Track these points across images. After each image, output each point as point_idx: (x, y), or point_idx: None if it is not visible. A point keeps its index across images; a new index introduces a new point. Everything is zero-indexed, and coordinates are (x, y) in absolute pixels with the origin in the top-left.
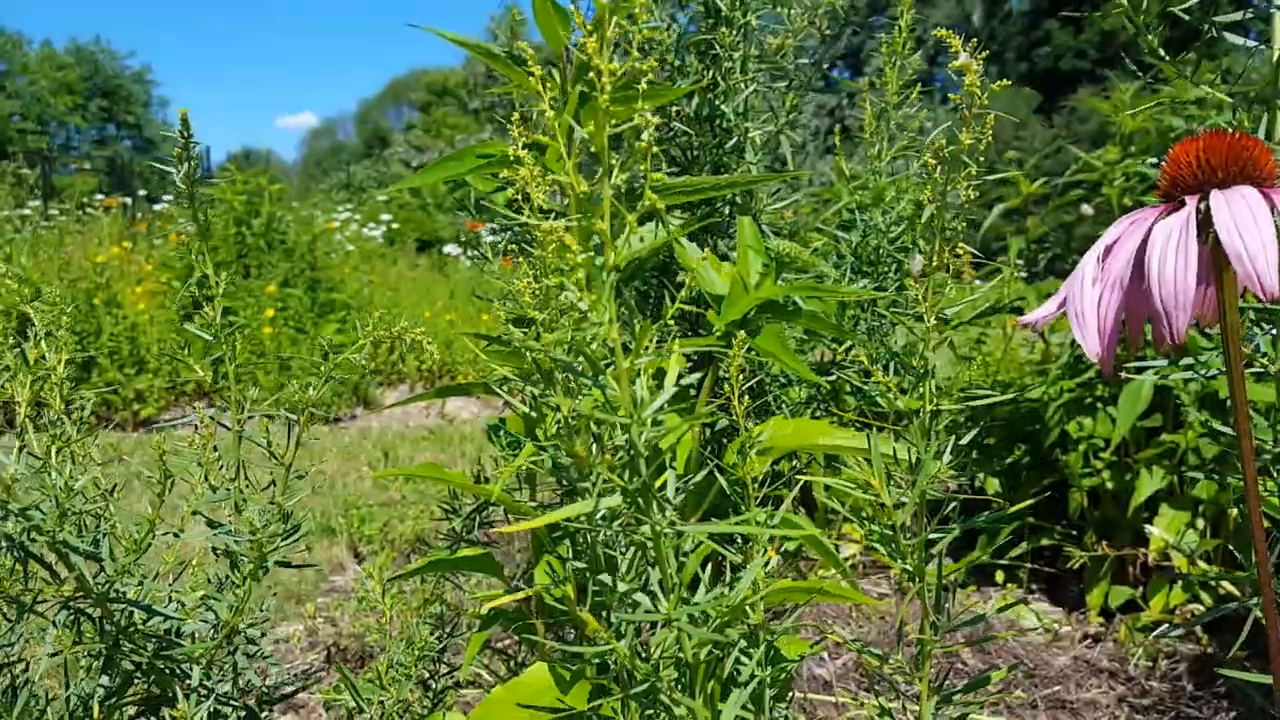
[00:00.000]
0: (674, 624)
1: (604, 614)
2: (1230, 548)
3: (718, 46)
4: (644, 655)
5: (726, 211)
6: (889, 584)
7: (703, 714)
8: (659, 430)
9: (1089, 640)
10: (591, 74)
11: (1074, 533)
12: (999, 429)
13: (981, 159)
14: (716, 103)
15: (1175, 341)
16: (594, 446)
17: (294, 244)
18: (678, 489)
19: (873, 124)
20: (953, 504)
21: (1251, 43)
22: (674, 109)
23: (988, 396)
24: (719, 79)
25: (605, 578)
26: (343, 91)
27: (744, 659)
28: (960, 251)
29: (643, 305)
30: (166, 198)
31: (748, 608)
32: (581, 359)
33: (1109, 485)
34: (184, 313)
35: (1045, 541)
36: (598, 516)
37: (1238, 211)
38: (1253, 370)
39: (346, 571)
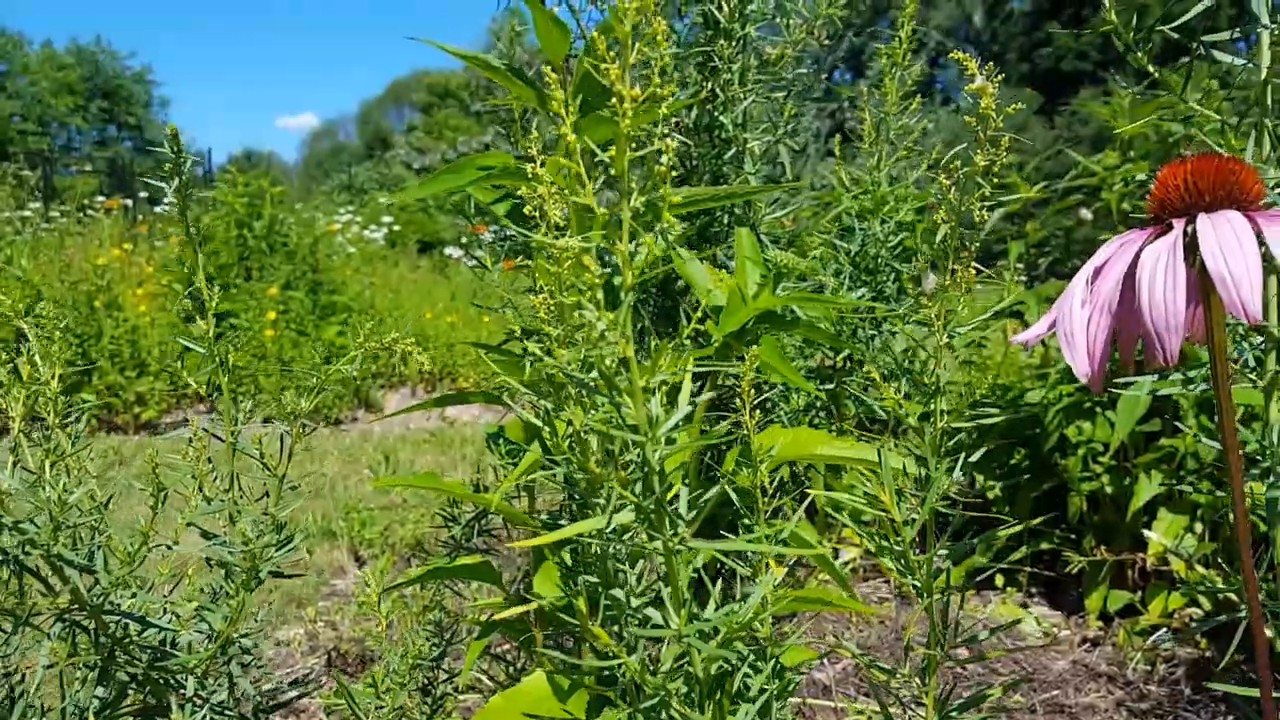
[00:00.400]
0: (684, 640)
1: (613, 627)
2: (1227, 553)
3: (716, 58)
4: (652, 669)
5: (725, 221)
6: (889, 588)
7: None
8: (672, 448)
9: (1088, 644)
10: (614, 99)
11: (1073, 537)
12: (999, 433)
13: (996, 181)
14: (715, 114)
15: (1168, 363)
16: (605, 461)
17: (296, 246)
18: (689, 501)
19: (872, 134)
20: (960, 519)
21: (1239, 62)
22: (673, 119)
23: (997, 415)
24: (718, 90)
25: (617, 593)
26: (344, 92)
27: (751, 673)
28: (971, 268)
29: (642, 315)
30: (168, 199)
31: (756, 623)
32: (596, 375)
33: (1108, 489)
34: (185, 315)
35: (1044, 545)
36: (608, 531)
37: (1223, 236)
38: (1241, 387)
39: (347, 575)
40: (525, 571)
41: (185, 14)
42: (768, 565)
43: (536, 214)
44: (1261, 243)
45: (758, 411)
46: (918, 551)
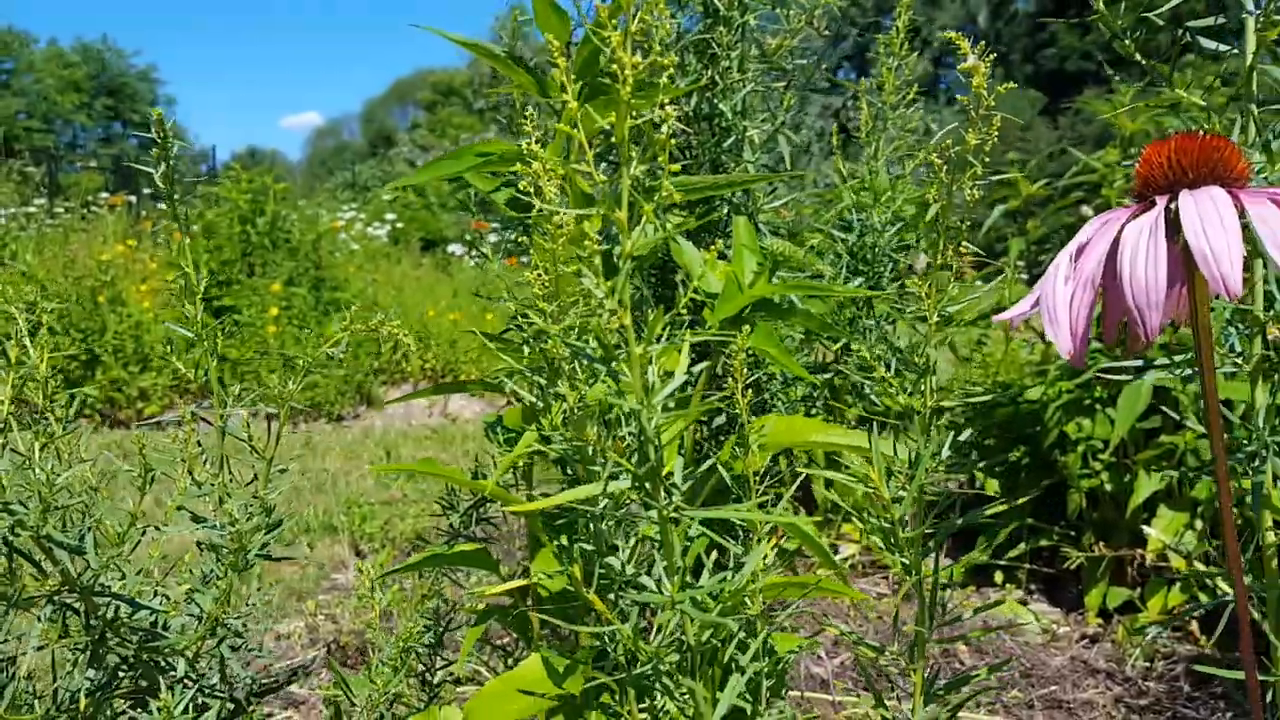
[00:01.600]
0: (677, 607)
1: (607, 598)
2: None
3: (715, 46)
4: (645, 640)
5: (725, 211)
6: (888, 584)
7: (702, 694)
8: (669, 416)
9: (1086, 641)
10: (614, 67)
11: (1072, 533)
12: (998, 430)
13: (986, 160)
14: (715, 101)
15: (1149, 340)
16: (601, 433)
17: (299, 243)
18: (684, 475)
19: (869, 124)
20: (944, 496)
21: (1223, 48)
22: (673, 106)
23: (985, 395)
24: (717, 78)
25: (612, 560)
26: (347, 91)
27: (742, 649)
28: (963, 251)
29: (640, 304)
30: (161, 190)
31: (746, 599)
32: (594, 344)
33: (1107, 486)
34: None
35: (1044, 542)
36: (603, 502)
37: (1205, 212)
38: (1224, 371)
39: (348, 569)
40: (524, 566)
41: (188, 14)
42: (763, 544)
43: (532, 190)
44: (1244, 219)
45: (749, 392)
46: (906, 529)
